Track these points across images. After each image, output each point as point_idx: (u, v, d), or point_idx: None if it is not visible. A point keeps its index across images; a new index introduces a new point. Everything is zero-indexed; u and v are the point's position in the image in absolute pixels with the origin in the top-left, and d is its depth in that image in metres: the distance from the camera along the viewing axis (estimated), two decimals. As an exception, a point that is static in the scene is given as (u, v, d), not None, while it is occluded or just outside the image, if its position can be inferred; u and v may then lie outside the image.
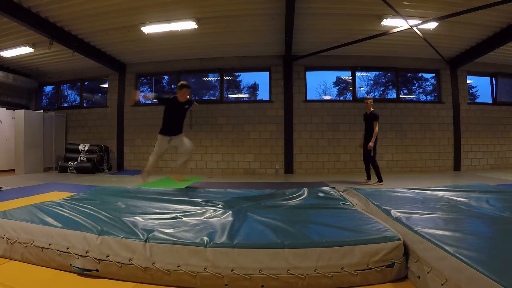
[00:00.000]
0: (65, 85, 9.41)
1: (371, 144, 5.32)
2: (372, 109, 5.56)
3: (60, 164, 8.03)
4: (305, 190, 3.01)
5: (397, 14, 5.34)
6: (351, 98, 8.09)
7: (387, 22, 5.88)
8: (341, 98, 8.49)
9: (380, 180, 5.39)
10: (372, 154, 5.39)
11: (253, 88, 8.81)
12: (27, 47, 6.91)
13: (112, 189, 3.06)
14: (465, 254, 1.29)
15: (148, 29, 6.15)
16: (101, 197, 2.76)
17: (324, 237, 1.65)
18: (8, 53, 7.24)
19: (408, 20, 5.61)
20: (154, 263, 1.55)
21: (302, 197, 2.81)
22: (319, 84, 8.73)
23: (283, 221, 2.00)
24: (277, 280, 1.48)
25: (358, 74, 8.23)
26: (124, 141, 8.39)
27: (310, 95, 8.09)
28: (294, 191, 3.03)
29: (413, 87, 8.85)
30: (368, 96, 5.86)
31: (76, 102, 9.37)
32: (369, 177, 5.67)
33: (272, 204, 2.57)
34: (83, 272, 1.62)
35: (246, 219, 2.07)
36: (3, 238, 1.87)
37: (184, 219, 2.11)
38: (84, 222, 1.91)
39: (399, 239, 1.62)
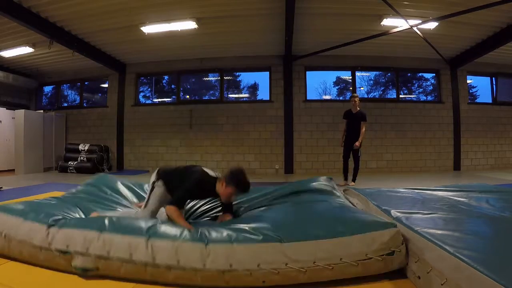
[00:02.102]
0: (65, 85, 9.42)
1: (357, 143, 5.19)
2: (359, 108, 5.35)
3: (60, 164, 8.02)
4: (300, 183, 2.96)
5: (397, 14, 5.34)
6: (351, 98, 8.09)
7: (387, 22, 5.88)
8: (341, 98, 8.49)
9: (354, 179, 5.36)
10: (359, 154, 5.33)
11: (253, 88, 8.81)
12: (27, 47, 6.91)
13: (112, 181, 3.00)
14: (465, 254, 1.29)
15: (148, 29, 6.15)
16: (101, 193, 2.73)
17: (320, 229, 1.65)
18: (8, 53, 7.24)
19: (408, 20, 5.61)
20: (154, 259, 1.55)
21: (297, 191, 2.75)
22: (319, 84, 8.74)
23: (280, 216, 2.01)
24: (278, 275, 1.49)
25: (358, 74, 8.23)
26: (124, 141, 8.39)
27: (310, 95, 8.10)
28: (289, 185, 2.99)
29: (413, 87, 8.85)
30: (355, 94, 5.60)
31: (76, 102, 9.37)
32: (346, 178, 5.46)
33: (268, 200, 2.56)
34: (84, 272, 1.61)
35: (243, 215, 2.08)
36: (1, 234, 1.86)
37: (184, 216, 2.11)
38: (84, 220, 1.90)
39: (395, 226, 1.62)
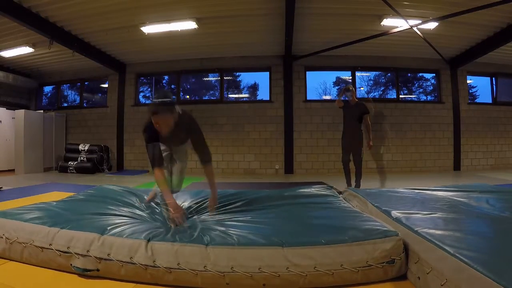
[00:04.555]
0: (65, 85, 9.41)
1: (371, 143, 4.62)
2: (357, 100, 4.68)
3: (60, 164, 8.02)
4: (303, 189, 2.99)
5: (397, 14, 5.34)
6: (351, 98, 8.09)
7: (387, 22, 5.88)
8: (342, 98, 8.47)
9: (358, 186, 4.53)
10: (361, 156, 4.62)
11: (253, 88, 8.81)
12: (27, 47, 6.91)
13: (113, 188, 3.06)
14: (465, 254, 1.29)
15: (148, 29, 6.15)
16: (101, 197, 2.75)
17: (322, 235, 1.65)
18: (8, 53, 7.24)
19: (408, 20, 5.61)
20: (155, 262, 1.55)
21: (300, 197, 2.78)
22: (319, 84, 8.74)
23: (282, 220, 2.01)
24: (279, 278, 1.49)
25: (358, 74, 8.23)
26: (124, 141, 8.39)
27: (310, 95, 8.10)
28: (292, 190, 3.01)
29: (413, 87, 8.85)
30: (350, 85, 4.75)
31: (76, 102, 9.37)
32: (349, 184, 4.65)
33: (271, 204, 2.56)
34: (84, 272, 1.62)
35: (245, 218, 2.08)
36: (2, 238, 1.86)
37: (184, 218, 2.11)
38: (85, 221, 1.90)
39: (397, 235, 1.62)
